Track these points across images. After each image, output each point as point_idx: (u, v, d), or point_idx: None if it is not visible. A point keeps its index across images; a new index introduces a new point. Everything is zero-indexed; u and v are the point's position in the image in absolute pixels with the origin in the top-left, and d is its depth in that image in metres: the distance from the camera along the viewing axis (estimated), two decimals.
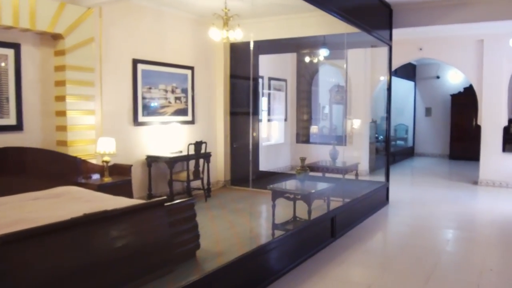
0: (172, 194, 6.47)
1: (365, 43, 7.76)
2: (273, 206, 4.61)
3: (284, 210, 5.18)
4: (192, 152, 6.61)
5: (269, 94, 9.60)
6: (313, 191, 4.69)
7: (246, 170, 8.33)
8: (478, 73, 8.57)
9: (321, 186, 5.01)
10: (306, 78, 10.61)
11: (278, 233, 4.63)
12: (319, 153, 10.07)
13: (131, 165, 5.67)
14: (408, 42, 9.11)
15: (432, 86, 13.46)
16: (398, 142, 13.53)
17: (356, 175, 6.81)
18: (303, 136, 10.51)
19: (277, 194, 4.64)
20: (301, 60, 9.96)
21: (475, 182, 8.70)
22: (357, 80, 9.52)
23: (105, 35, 5.88)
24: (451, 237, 5.41)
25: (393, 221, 6.23)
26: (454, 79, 13.05)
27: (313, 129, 10.43)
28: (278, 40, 7.77)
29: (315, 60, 8.93)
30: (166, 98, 6.95)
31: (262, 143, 9.34)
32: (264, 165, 9.13)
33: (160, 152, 6.67)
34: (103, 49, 5.83)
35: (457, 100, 12.58)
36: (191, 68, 7.39)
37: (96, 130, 5.67)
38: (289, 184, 5.10)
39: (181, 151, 6.78)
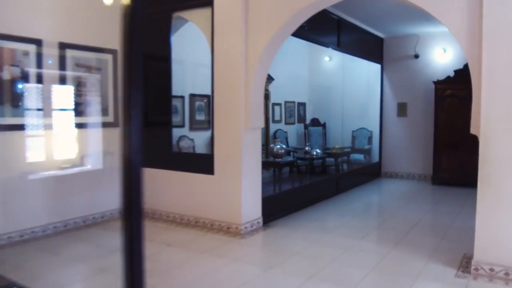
0: None
1: None
2: None
3: None
4: None
5: (64, 77, 4.95)
6: None
7: None
8: (473, 36, 3.76)
9: None
10: (163, 48, 5.90)
11: None
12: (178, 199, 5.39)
13: None
14: None
15: (409, 71, 8.73)
16: (355, 156, 8.77)
17: None
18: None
19: None
20: (151, 16, 5.33)
21: (466, 264, 3.93)
22: (232, 46, 4.85)
23: None
24: None
25: None
26: (441, 58, 8.34)
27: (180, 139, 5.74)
28: None
29: None
30: None
31: (40, 173, 4.69)
32: (48, 216, 4.52)
33: None
34: None
35: (445, 90, 7.88)
36: None
37: None
38: None
39: None
